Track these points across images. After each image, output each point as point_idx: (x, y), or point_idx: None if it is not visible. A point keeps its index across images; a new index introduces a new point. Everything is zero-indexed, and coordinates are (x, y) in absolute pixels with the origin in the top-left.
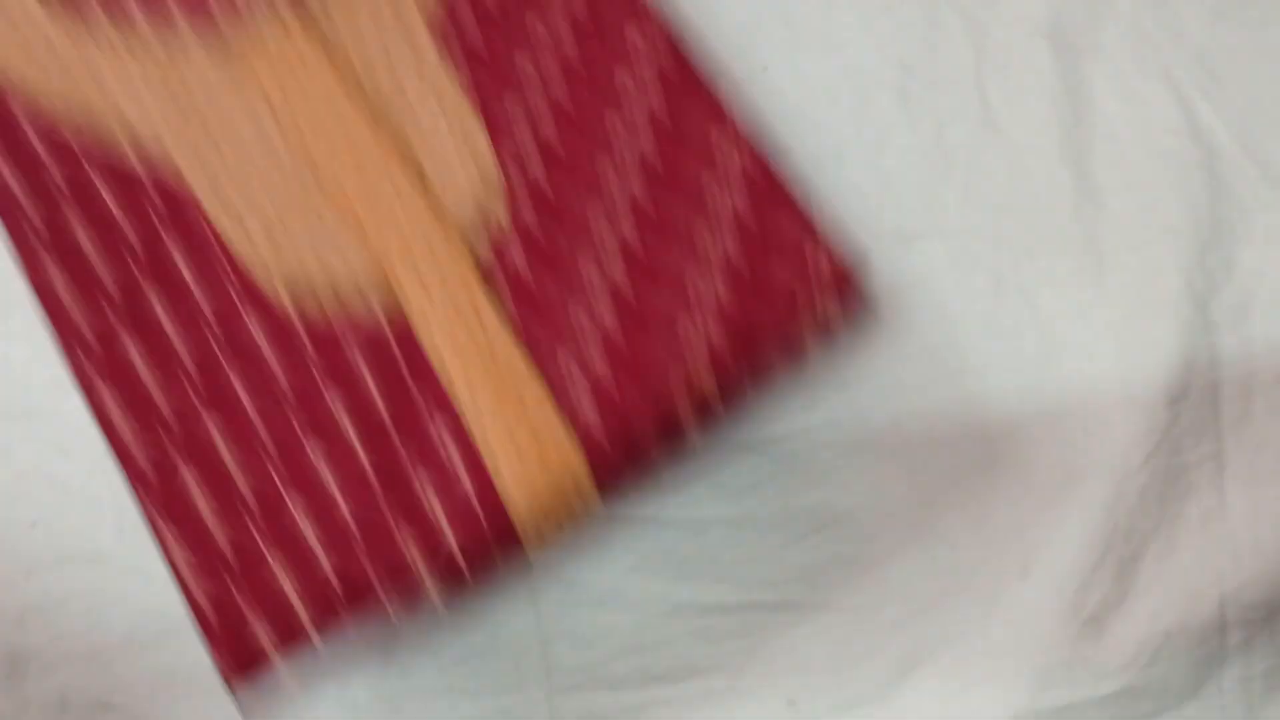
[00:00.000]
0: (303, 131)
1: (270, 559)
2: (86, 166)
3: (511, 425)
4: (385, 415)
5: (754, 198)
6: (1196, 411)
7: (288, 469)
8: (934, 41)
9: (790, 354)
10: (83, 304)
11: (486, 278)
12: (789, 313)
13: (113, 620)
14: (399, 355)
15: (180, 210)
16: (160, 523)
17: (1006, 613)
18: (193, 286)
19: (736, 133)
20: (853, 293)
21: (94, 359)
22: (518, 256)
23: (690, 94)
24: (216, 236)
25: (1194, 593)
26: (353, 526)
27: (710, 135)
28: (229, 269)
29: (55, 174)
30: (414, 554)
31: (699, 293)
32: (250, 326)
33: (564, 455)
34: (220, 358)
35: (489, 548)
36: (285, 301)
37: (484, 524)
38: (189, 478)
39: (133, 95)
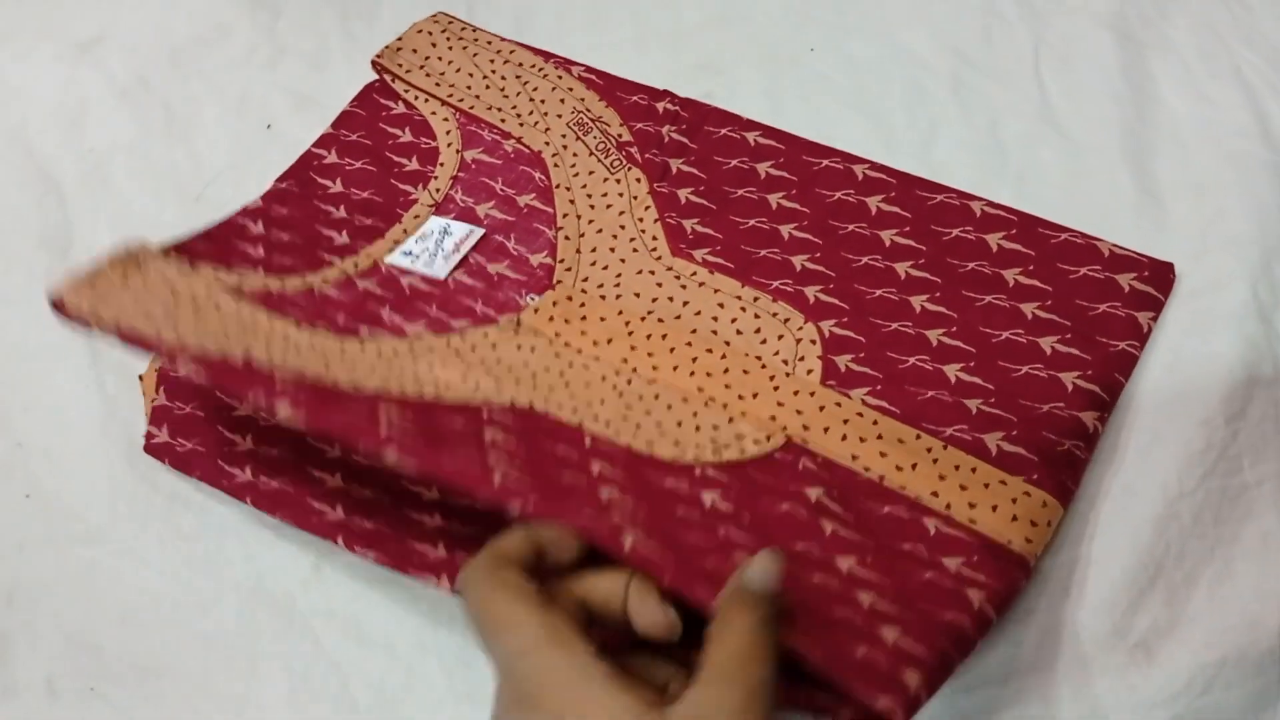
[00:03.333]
0: (617, 355)
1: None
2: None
3: (956, 483)
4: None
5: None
6: (1257, 429)
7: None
8: (991, 29)
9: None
10: None
11: (837, 390)
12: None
13: (105, 603)
14: (816, 469)
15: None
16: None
17: (1049, 633)
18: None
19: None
20: (1158, 274)
21: None
22: (846, 360)
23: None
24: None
25: (1252, 620)
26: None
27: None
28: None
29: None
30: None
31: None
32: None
33: (1010, 486)
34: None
35: (1011, 580)
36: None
37: (999, 562)
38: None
39: (483, 371)
